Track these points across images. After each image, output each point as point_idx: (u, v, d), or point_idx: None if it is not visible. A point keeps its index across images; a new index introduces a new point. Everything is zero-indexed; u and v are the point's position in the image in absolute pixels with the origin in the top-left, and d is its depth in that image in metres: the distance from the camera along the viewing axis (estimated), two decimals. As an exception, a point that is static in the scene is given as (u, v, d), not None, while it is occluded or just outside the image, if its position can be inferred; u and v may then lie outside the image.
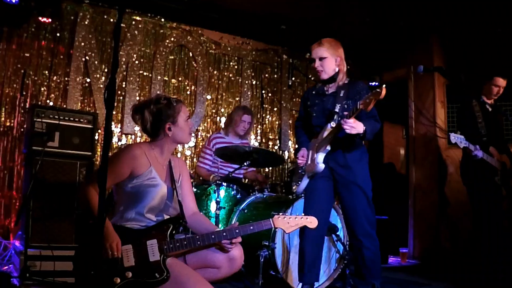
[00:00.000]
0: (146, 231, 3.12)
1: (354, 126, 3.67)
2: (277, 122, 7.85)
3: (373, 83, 7.64)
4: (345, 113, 3.77)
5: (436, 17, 6.85)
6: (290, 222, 3.22)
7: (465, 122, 5.62)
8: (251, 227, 3.16)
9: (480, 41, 6.56)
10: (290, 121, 7.90)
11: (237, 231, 3.13)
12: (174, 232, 3.12)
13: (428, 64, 6.87)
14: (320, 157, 3.98)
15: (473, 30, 6.59)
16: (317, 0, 6.63)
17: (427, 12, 6.71)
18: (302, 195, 4.55)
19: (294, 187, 4.29)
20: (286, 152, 7.79)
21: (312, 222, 3.27)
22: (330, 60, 4.07)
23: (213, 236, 3.10)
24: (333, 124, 3.92)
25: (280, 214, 3.26)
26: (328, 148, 3.95)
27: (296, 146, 4.45)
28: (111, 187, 3.30)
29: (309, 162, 4.11)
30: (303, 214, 3.32)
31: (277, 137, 7.80)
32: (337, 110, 3.97)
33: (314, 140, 4.18)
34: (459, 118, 5.91)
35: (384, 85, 3.40)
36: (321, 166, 3.96)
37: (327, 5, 6.75)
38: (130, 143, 6.47)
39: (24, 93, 5.88)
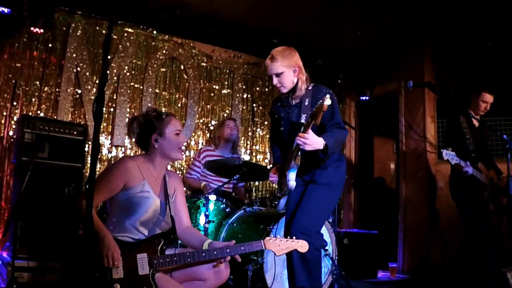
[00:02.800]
0: (137, 244, 3.13)
1: (308, 142, 3.38)
2: (267, 136, 7.84)
3: (364, 97, 7.66)
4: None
5: (427, 32, 6.91)
6: (281, 245, 3.22)
7: (453, 138, 5.67)
8: (242, 248, 3.15)
9: (471, 56, 6.61)
10: (281, 135, 7.89)
11: (228, 250, 3.13)
12: (165, 247, 3.13)
13: (419, 79, 6.93)
14: (291, 175, 3.66)
15: (464, 45, 6.64)
16: (308, 14, 6.67)
17: (418, 26, 6.77)
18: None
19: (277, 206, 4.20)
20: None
21: (303, 246, 3.26)
22: (287, 74, 3.79)
23: (203, 254, 3.10)
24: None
25: (272, 236, 3.25)
26: (297, 164, 3.64)
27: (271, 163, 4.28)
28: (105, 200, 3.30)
29: (279, 179, 3.95)
30: (294, 238, 3.29)
31: (267, 151, 7.81)
32: (303, 121, 3.67)
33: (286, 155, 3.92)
34: (447, 134, 5.95)
35: (328, 95, 3.19)
36: (292, 184, 3.66)
37: (318, 19, 6.79)
38: (122, 155, 6.46)
39: (15, 103, 5.86)
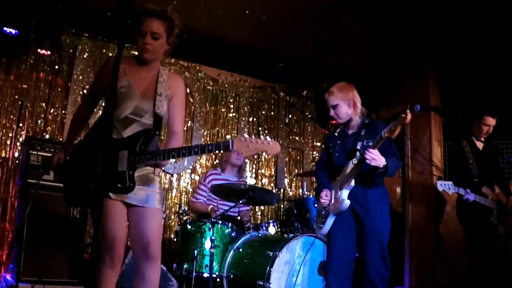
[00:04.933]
0: (119, 141, 3.14)
1: (375, 158, 3.75)
2: (273, 160, 7.82)
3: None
4: (370, 143, 3.90)
5: (432, 54, 6.95)
6: (250, 146, 3.02)
7: (456, 163, 5.65)
8: (210, 147, 3.04)
9: (476, 78, 6.61)
10: (287, 159, 7.89)
11: (196, 149, 3.08)
12: (143, 145, 3.10)
13: (425, 102, 6.91)
14: (345, 193, 3.96)
15: (469, 67, 6.64)
16: (313, 39, 6.69)
17: (423, 50, 6.80)
18: (324, 237, 4.53)
19: (317, 229, 4.28)
20: (282, 190, 7.74)
21: (273, 147, 3.06)
22: (342, 106, 4.16)
23: (173, 153, 3.05)
24: (355, 160, 3.95)
25: (245, 136, 3.09)
26: (352, 184, 3.95)
27: (316, 187, 4.41)
28: (99, 96, 3.50)
29: (332, 201, 4.10)
30: (269, 140, 3.08)
31: (273, 175, 7.78)
32: (358, 147, 4.03)
33: (335, 180, 4.18)
34: (450, 160, 5.93)
35: (408, 110, 3.49)
36: (347, 202, 3.94)
37: (323, 43, 6.82)
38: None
39: (21, 124, 5.87)
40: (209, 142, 7.27)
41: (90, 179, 3.04)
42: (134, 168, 3.06)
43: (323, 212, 4.19)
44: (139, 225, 3.16)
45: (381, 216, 4.08)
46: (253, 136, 3.02)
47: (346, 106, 4.17)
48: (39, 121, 5.99)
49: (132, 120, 3.20)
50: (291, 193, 7.83)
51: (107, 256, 3.04)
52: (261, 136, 3.06)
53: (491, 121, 5.56)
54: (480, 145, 5.65)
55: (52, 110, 6.09)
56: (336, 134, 4.38)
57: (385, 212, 4.13)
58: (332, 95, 4.21)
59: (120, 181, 3.03)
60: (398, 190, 8.85)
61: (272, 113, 7.94)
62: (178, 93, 3.42)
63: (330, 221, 4.09)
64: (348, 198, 3.97)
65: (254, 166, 7.61)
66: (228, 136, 7.47)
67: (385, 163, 3.81)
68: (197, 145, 3.08)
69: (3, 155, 5.75)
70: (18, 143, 5.82)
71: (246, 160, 6.75)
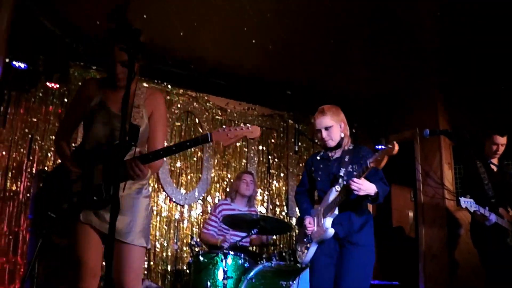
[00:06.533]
0: (96, 157, 3.08)
1: (362, 187, 3.64)
2: (284, 188, 7.78)
3: (380, 146, 7.63)
4: (354, 173, 3.77)
5: (440, 77, 6.96)
6: (229, 134, 3.05)
7: (471, 184, 5.60)
8: (187, 143, 3.06)
9: (484, 99, 6.60)
10: (297, 187, 7.83)
11: (173, 148, 3.05)
12: (119, 157, 2.93)
13: (433, 125, 6.92)
14: (328, 222, 3.86)
15: (476, 88, 6.64)
16: (319, 66, 6.72)
17: (429, 73, 6.81)
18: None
19: (299, 257, 4.15)
20: (294, 219, 7.68)
21: (253, 131, 3.09)
22: (335, 128, 4.06)
23: (150, 156, 3.03)
24: (337, 187, 3.87)
25: (223, 127, 3.13)
26: (336, 212, 3.85)
27: (299, 214, 4.36)
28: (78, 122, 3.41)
29: (315, 229, 4.01)
30: (248, 125, 3.14)
31: (284, 203, 7.73)
32: (341, 174, 3.93)
33: (318, 206, 4.11)
34: (465, 181, 5.89)
35: (395, 141, 3.41)
36: (331, 231, 3.84)
37: (330, 70, 6.84)
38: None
39: (31, 158, 5.89)
40: (219, 173, 7.26)
41: (66, 197, 3.01)
42: (110, 181, 2.98)
43: (305, 240, 4.10)
44: (115, 261, 3.00)
45: (369, 238, 3.95)
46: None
47: (339, 128, 4.08)
48: (49, 154, 6.00)
49: (107, 136, 3.14)
50: (303, 221, 7.75)
51: None
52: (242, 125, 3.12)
53: (501, 140, 5.53)
54: (493, 166, 5.61)
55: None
56: (318, 157, 4.26)
57: (372, 237, 3.99)
58: (326, 116, 4.06)
59: (96, 193, 2.97)
60: (411, 214, 8.81)
61: (282, 141, 7.93)
62: (159, 108, 3.36)
63: (312, 249, 3.99)
64: (333, 224, 3.87)
65: (264, 195, 7.57)
66: (238, 166, 7.44)
67: (376, 190, 3.73)
68: (175, 144, 3.07)
69: (14, 188, 5.76)
70: (28, 177, 5.82)
71: (257, 190, 6.71)
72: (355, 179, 3.65)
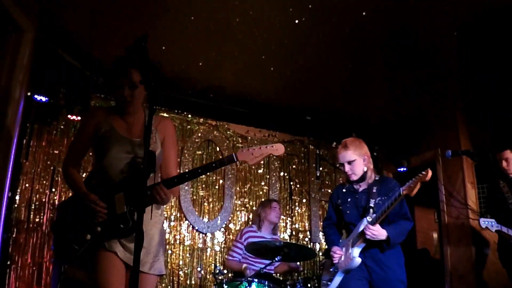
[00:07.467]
0: (114, 185, 3.06)
1: (376, 234, 3.75)
2: (306, 214, 7.73)
3: (401, 168, 7.59)
4: (383, 201, 3.81)
5: (461, 98, 6.93)
6: (254, 153, 3.09)
7: (495, 204, 5.53)
8: (213, 164, 3.06)
9: (506, 119, 6.54)
10: (320, 212, 7.78)
11: (199, 170, 3.06)
12: (140, 183, 2.94)
13: (455, 145, 6.88)
14: (356, 251, 3.89)
15: (499, 108, 6.60)
16: (338, 90, 6.73)
17: (452, 93, 6.79)
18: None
19: (324, 286, 4.14)
20: (317, 244, 7.62)
21: (278, 149, 3.13)
22: (358, 162, 4.09)
23: (175, 180, 3.04)
24: (369, 218, 3.86)
25: (247, 147, 3.15)
26: (364, 243, 3.88)
27: (326, 246, 4.36)
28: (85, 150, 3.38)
29: (342, 258, 4.00)
30: (272, 144, 3.17)
31: (307, 229, 7.67)
32: (372, 205, 3.94)
33: (346, 237, 4.10)
34: (488, 201, 5.83)
35: (429, 168, 3.43)
36: (357, 260, 3.85)
37: (350, 94, 6.84)
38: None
39: (54, 189, 5.92)
40: (241, 201, 7.25)
41: (88, 228, 2.98)
42: (134, 209, 2.98)
43: (331, 270, 4.10)
44: None
45: (403, 275, 3.95)
46: (255, 146, 3.11)
47: (362, 161, 4.10)
48: (72, 186, 6.03)
49: (124, 164, 3.13)
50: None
51: None
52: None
53: (510, 155, 5.48)
54: None
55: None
56: (344, 190, 4.27)
57: (404, 272, 3.98)
58: (348, 150, 4.10)
59: (122, 222, 2.97)
60: (435, 236, 8.69)
61: (303, 166, 7.91)
62: (169, 134, 3.40)
63: (337, 279, 3.99)
64: (364, 259, 3.90)
65: (287, 221, 7.52)
66: (260, 193, 7.41)
67: (386, 235, 3.79)
68: (200, 166, 3.07)
69: (37, 220, 5.79)
70: (51, 208, 5.85)
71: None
72: (369, 226, 3.76)
